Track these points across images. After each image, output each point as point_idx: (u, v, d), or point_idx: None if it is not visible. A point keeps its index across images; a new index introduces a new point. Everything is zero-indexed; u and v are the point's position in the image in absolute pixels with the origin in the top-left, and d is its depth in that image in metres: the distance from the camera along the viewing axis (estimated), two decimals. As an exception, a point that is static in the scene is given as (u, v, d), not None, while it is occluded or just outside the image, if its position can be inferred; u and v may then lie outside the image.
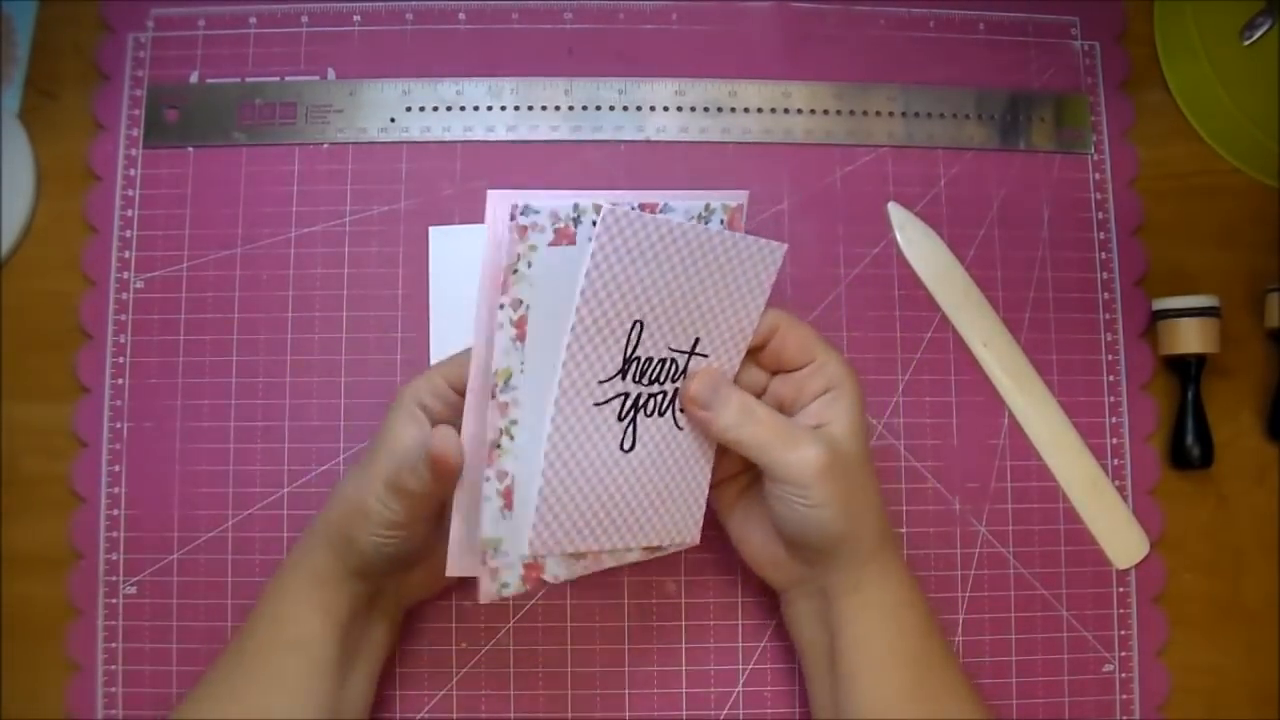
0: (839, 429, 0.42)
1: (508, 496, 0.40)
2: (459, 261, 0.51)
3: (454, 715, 0.49)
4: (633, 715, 0.49)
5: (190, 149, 0.52)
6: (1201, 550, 0.53)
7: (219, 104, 0.52)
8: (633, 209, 0.39)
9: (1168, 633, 0.52)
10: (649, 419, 0.42)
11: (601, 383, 0.40)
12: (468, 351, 0.40)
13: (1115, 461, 0.53)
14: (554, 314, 0.39)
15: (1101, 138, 0.55)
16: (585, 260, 0.39)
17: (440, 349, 0.51)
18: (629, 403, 0.41)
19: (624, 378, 0.41)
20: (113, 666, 0.49)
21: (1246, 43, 0.50)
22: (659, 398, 0.42)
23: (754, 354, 0.45)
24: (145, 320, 0.51)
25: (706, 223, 0.42)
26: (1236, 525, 0.53)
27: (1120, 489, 0.52)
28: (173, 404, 0.50)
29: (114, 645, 0.49)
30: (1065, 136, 0.55)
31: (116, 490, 0.50)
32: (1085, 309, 0.54)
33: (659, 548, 0.44)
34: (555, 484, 0.40)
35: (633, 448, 0.42)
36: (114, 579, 0.49)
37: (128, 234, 0.51)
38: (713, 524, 0.51)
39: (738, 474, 0.47)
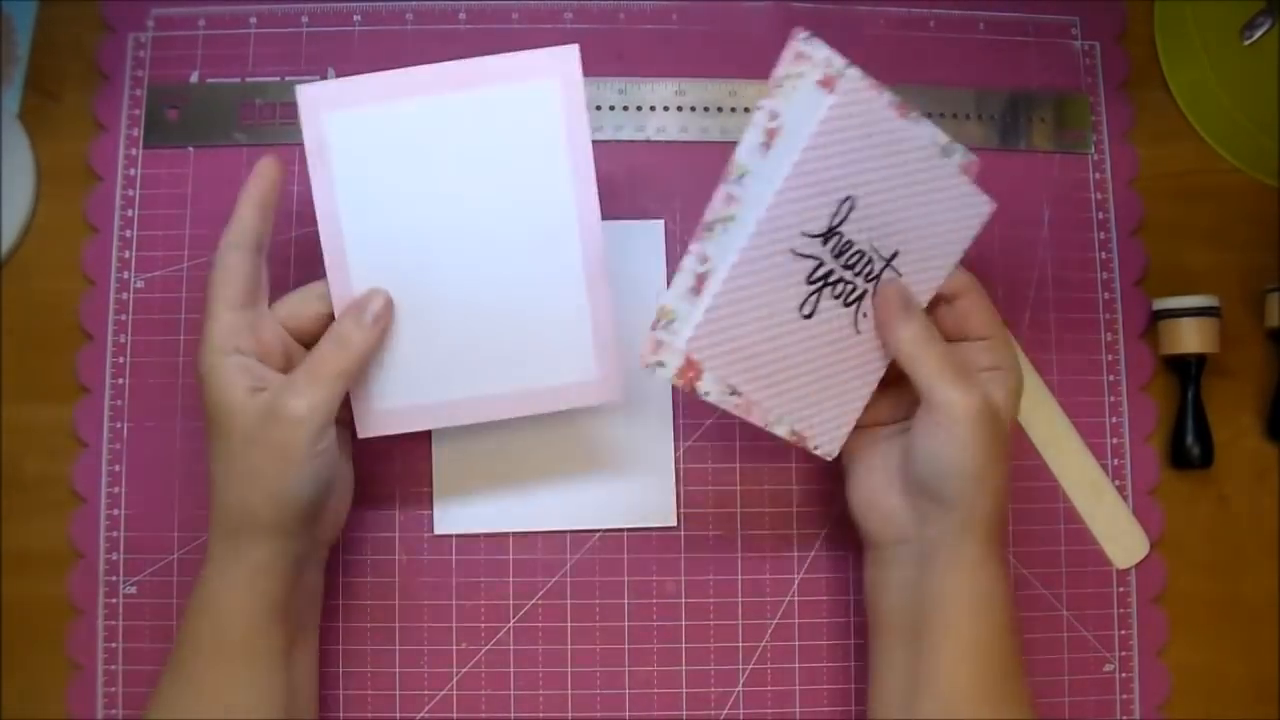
0: (1001, 405, 0.43)
1: (700, 281, 0.41)
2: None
3: (454, 715, 0.49)
4: (633, 715, 0.49)
5: (190, 149, 0.52)
6: (1201, 550, 0.53)
7: (219, 104, 0.52)
8: (884, 96, 0.42)
9: (1168, 633, 0.52)
10: (834, 301, 0.44)
11: (804, 235, 0.42)
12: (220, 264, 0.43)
13: (1115, 461, 0.53)
14: (793, 145, 0.41)
15: (1101, 138, 0.55)
16: (823, 110, 0.41)
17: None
18: (821, 271, 0.43)
19: (824, 243, 0.43)
20: (113, 666, 0.49)
21: (1246, 43, 0.50)
22: (849, 287, 0.44)
23: (937, 309, 0.46)
24: (145, 320, 0.51)
25: (946, 157, 0.44)
26: (1236, 525, 0.53)
27: (1120, 489, 0.52)
28: (173, 404, 0.50)
29: (114, 645, 0.49)
30: (1065, 136, 0.55)
31: (116, 490, 0.50)
32: (1085, 309, 0.54)
33: (802, 439, 0.45)
34: (731, 299, 0.41)
35: (810, 317, 0.43)
36: (114, 579, 0.49)
37: (128, 234, 0.51)
38: (713, 522, 0.51)
39: (887, 423, 0.47)
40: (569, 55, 0.44)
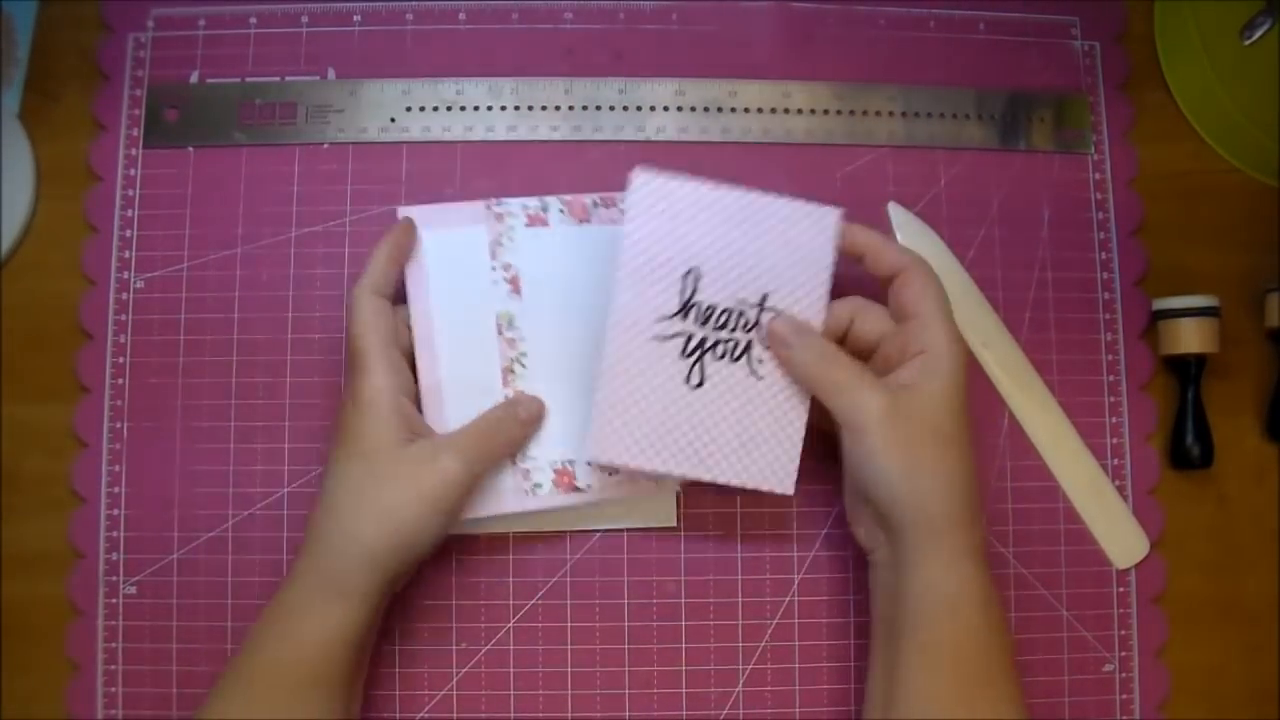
0: (924, 393, 0.42)
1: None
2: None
3: (454, 715, 0.49)
4: (633, 715, 0.49)
5: (190, 149, 0.52)
6: (1201, 550, 0.53)
7: (219, 104, 0.52)
8: (662, 176, 0.45)
9: (1168, 633, 0.52)
10: (720, 362, 0.46)
11: (659, 320, 0.45)
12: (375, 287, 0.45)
13: (1115, 461, 0.53)
14: (547, 272, 0.49)
15: (1101, 138, 0.55)
16: (626, 218, 0.45)
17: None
18: (693, 342, 0.45)
19: (684, 318, 0.45)
20: (113, 666, 0.49)
21: (1246, 43, 0.50)
22: (730, 344, 0.46)
23: (885, 290, 0.46)
24: (145, 320, 0.51)
25: (765, 195, 0.45)
26: (1236, 525, 0.53)
27: (1120, 489, 0.52)
28: (173, 404, 0.50)
29: (114, 645, 0.49)
30: (1065, 136, 0.55)
31: (116, 490, 0.50)
32: (1085, 309, 0.54)
33: (754, 486, 0.46)
34: (613, 400, 0.45)
35: (702, 384, 0.45)
36: (114, 579, 0.49)
37: (128, 234, 0.51)
38: (713, 522, 0.51)
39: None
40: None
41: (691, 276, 0.45)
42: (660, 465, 0.45)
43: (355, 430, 0.43)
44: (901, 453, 0.41)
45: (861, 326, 0.46)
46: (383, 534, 0.42)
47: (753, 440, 0.46)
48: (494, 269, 0.49)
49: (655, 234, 0.45)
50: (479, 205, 0.49)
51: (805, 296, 0.46)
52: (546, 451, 0.48)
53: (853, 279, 0.47)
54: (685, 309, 0.45)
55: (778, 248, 0.45)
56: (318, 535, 0.43)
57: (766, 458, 0.46)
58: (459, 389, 0.48)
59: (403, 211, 0.48)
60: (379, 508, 0.42)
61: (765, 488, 0.46)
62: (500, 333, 0.49)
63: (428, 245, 0.49)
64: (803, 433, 0.46)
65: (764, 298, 0.45)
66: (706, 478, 0.45)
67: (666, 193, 0.45)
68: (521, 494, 0.48)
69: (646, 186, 0.45)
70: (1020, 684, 0.43)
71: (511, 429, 0.47)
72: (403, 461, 0.43)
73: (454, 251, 0.49)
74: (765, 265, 0.45)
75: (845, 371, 0.43)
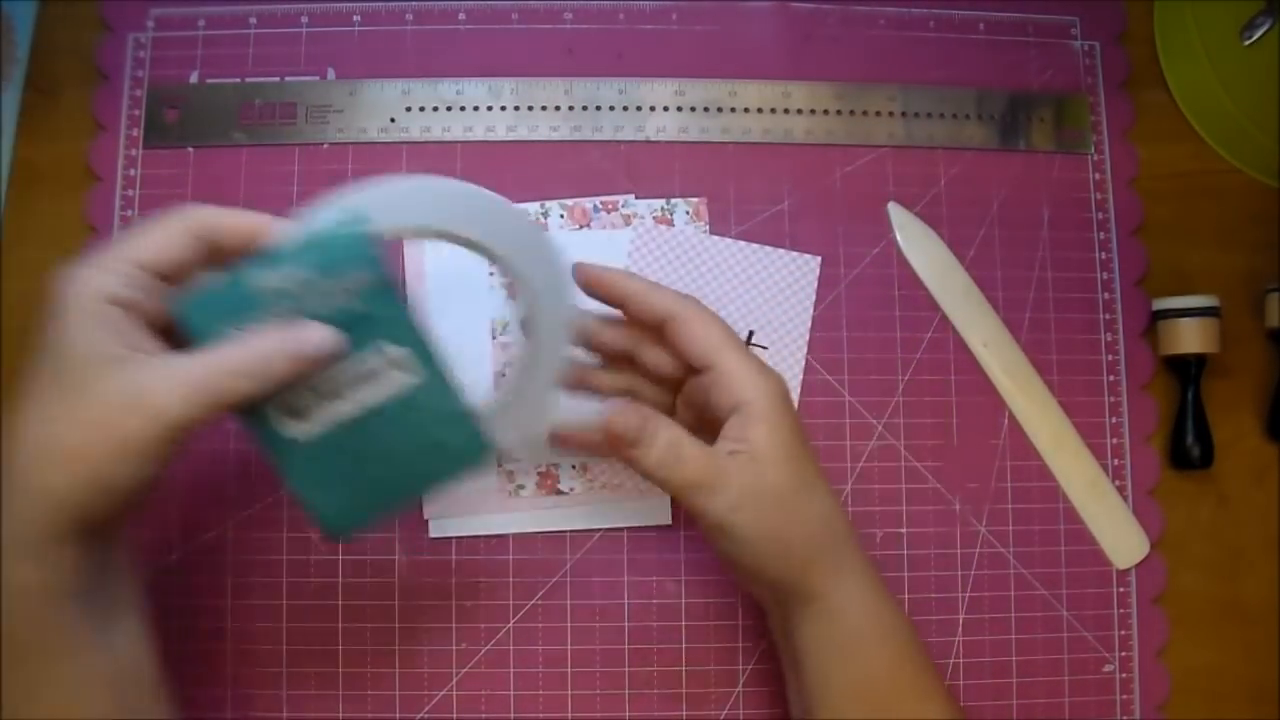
0: (757, 454, 0.39)
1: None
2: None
3: (454, 715, 0.49)
4: (633, 715, 0.49)
5: (190, 149, 0.52)
6: (1201, 550, 0.53)
7: (219, 104, 0.52)
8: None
9: (1168, 633, 0.52)
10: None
11: None
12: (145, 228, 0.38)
13: (1115, 461, 0.53)
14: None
15: (1101, 138, 0.55)
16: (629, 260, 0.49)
17: None
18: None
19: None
20: (113, 666, 0.49)
21: (1246, 43, 0.50)
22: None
23: (661, 341, 0.43)
24: (145, 320, 0.51)
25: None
26: (1236, 525, 0.53)
27: (1120, 489, 0.52)
28: (173, 404, 0.50)
29: (114, 645, 0.49)
30: (1065, 136, 0.55)
31: (116, 490, 0.50)
32: (1085, 309, 0.54)
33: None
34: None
35: None
36: (114, 579, 0.49)
37: (128, 234, 0.51)
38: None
39: None
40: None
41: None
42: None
43: (51, 337, 0.34)
44: (768, 536, 0.39)
45: (679, 341, 0.42)
46: (75, 485, 0.33)
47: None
48: (491, 274, 0.50)
49: (652, 274, 0.48)
50: None
51: (789, 333, 0.50)
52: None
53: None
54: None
55: (764, 290, 0.50)
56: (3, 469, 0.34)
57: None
58: None
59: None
60: (64, 448, 0.33)
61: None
62: (494, 338, 0.49)
63: (427, 251, 0.48)
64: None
65: (750, 335, 0.50)
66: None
67: (667, 237, 0.49)
68: (504, 495, 0.48)
69: (648, 233, 0.49)
70: (948, 697, 0.41)
71: (279, 367, 0.35)
72: (103, 392, 0.33)
73: (454, 259, 0.48)
74: (752, 305, 0.50)
75: (699, 469, 0.39)
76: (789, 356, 0.51)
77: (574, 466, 0.49)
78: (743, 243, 0.51)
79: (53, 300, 0.35)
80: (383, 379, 0.38)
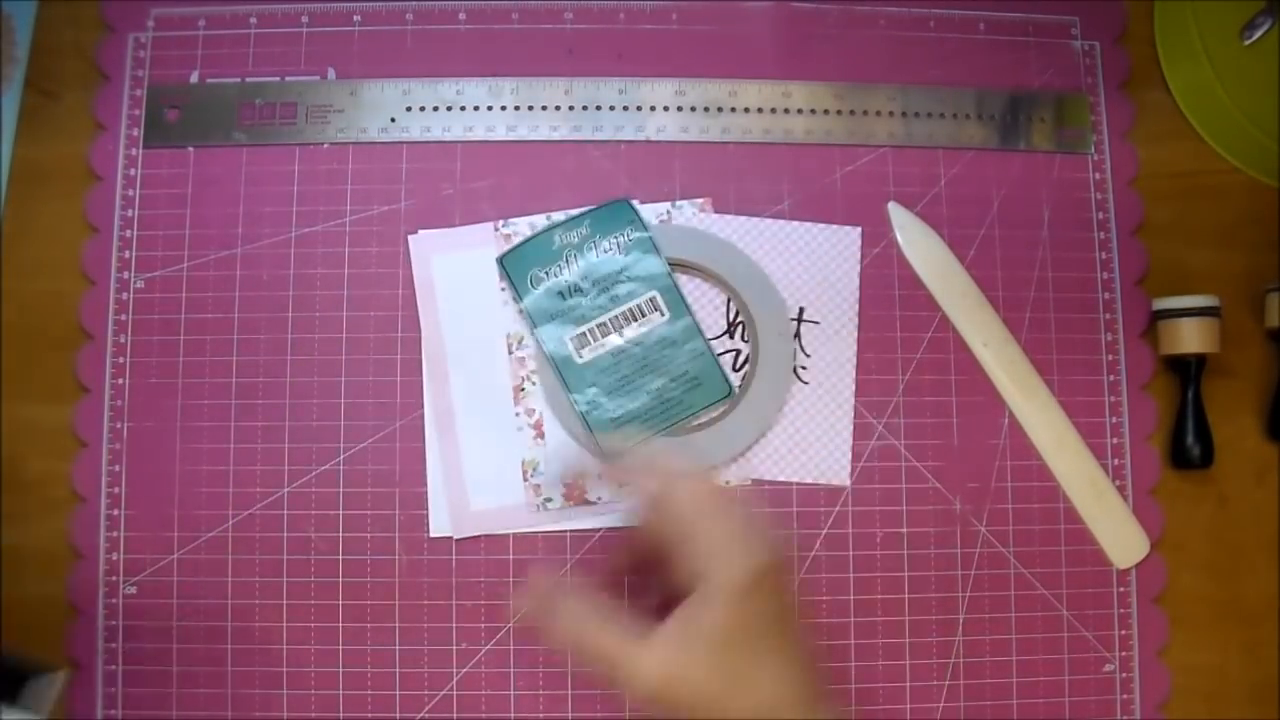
0: (698, 636, 0.35)
1: (538, 428, 0.50)
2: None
3: (454, 715, 0.49)
4: (632, 715, 0.49)
5: (190, 149, 0.52)
6: (1201, 550, 0.53)
7: (219, 104, 0.52)
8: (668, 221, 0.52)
9: (1168, 633, 0.52)
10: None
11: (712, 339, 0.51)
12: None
13: (1115, 461, 0.53)
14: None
15: (1101, 138, 0.55)
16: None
17: (431, 355, 0.51)
18: (741, 357, 0.51)
19: (732, 337, 0.51)
20: (113, 666, 0.49)
21: (1246, 43, 0.50)
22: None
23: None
24: (145, 320, 0.51)
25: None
26: (1236, 525, 0.53)
27: (1120, 489, 0.52)
28: (173, 404, 0.50)
29: (114, 645, 0.49)
30: (1065, 136, 0.55)
31: (116, 490, 0.50)
32: (1085, 309, 0.54)
33: (813, 482, 0.51)
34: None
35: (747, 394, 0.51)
36: (114, 579, 0.49)
37: (128, 234, 0.51)
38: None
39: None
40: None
41: (730, 301, 0.51)
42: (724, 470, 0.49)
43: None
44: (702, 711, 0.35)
45: (659, 525, 0.39)
46: None
47: (805, 440, 0.50)
48: (503, 289, 0.50)
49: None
50: (487, 227, 0.50)
51: (838, 305, 0.52)
52: (557, 467, 0.49)
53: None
54: (731, 329, 0.50)
55: (800, 265, 0.52)
56: None
57: (821, 454, 0.50)
58: (471, 410, 0.48)
59: (413, 238, 0.48)
60: None
61: (823, 481, 0.50)
62: (510, 352, 0.50)
63: (437, 269, 0.49)
64: (850, 428, 0.51)
65: (801, 311, 0.51)
66: (766, 478, 0.50)
67: (678, 229, 0.51)
68: (534, 509, 0.49)
69: (691, 219, 0.52)
70: None
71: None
72: None
73: (464, 274, 0.50)
74: (793, 284, 0.51)
75: (610, 640, 0.36)
76: (840, 330, 0.52)
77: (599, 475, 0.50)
78: (781, 221, 0.52)
79: None
80: (644, 319, 0.49)
